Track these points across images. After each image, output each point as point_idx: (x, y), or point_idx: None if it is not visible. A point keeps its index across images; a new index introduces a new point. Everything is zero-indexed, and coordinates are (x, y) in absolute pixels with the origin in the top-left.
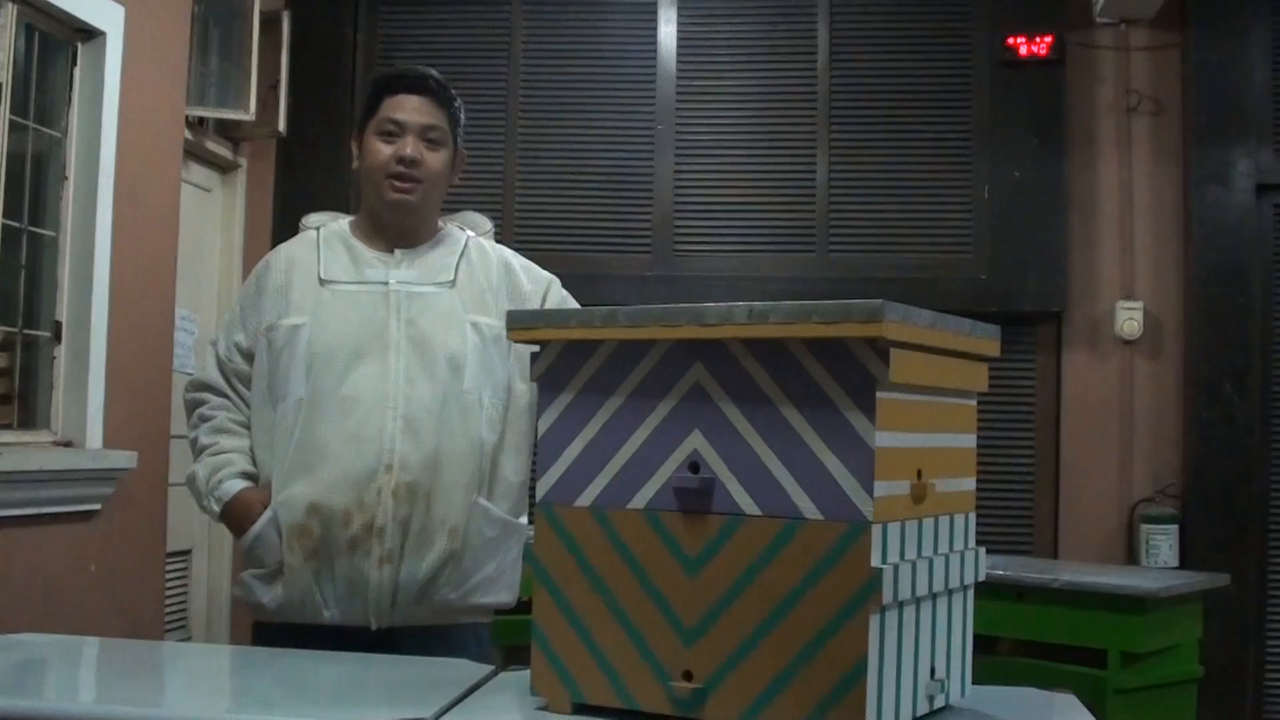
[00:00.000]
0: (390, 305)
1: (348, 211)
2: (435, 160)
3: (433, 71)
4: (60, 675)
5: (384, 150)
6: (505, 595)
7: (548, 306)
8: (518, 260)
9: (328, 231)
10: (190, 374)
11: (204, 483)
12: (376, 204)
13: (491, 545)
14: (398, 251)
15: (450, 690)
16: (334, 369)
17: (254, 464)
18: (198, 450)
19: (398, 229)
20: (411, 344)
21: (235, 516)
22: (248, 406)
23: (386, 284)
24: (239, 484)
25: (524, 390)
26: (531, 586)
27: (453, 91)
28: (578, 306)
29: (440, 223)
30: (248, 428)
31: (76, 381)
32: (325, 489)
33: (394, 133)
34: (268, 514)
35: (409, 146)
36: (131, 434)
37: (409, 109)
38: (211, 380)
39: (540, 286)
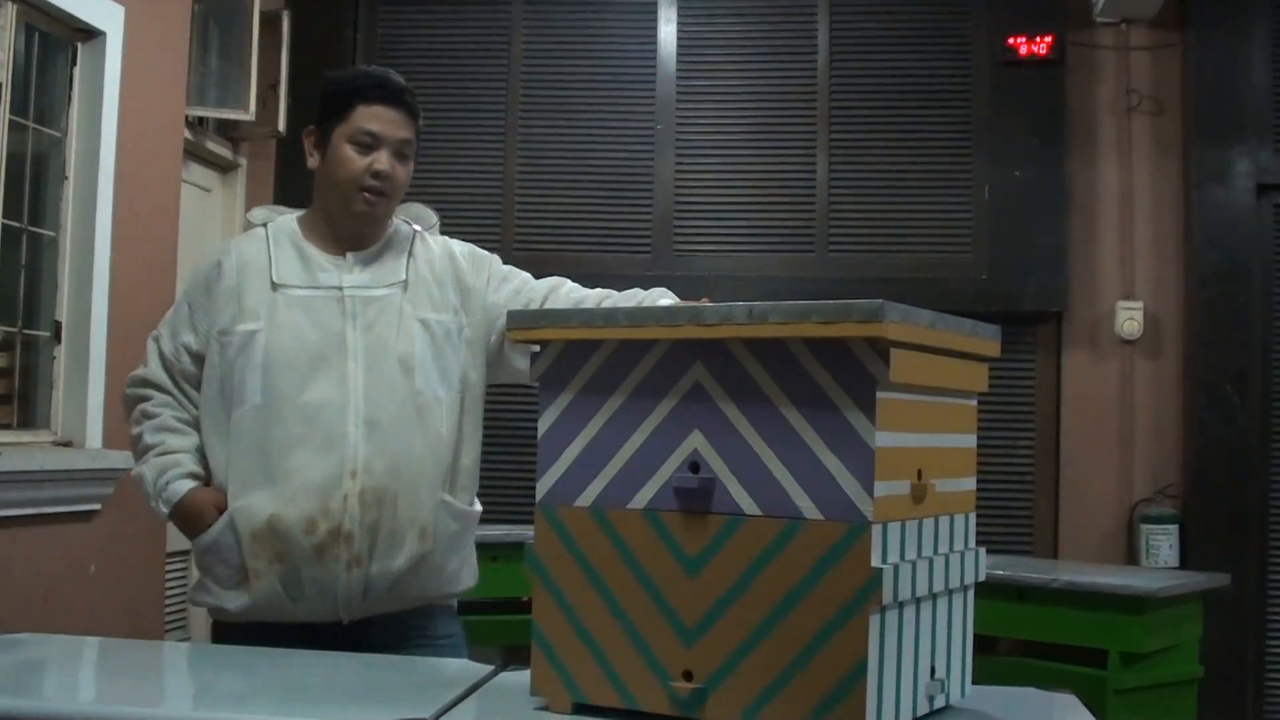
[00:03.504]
0: (346, 311)
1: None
2: (403, 173)
3: (404, 81)
4: (60, 675)
5: (358, 161)
6: (470, 580)
7: (490, 287)
8: (460, 248)
9: (276, 229)
10: None
11: (151, 484)
12: (339, 211)
13: (457, 538)
14: (349, 255)
15: (450, 690)
16: (292, 377)
17: (202, 464)
18: (142, 449)
19: (353, 234)
20: (367, 350)
21: (186, 516)
22: (195, 406)
23: (340, 289)
24: (187, 484)
25: (476, 380)
26: (532, 586)
27: (419, 103)
28: (525, 275)
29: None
30: (194, 427)
31: (76, 381)
32: (288, 498)
33: (369, 145)
34: (225, 519)
35: (383, 160)
36: None
37: (386, 122)
38: (155, 378)
39: (482, 273)
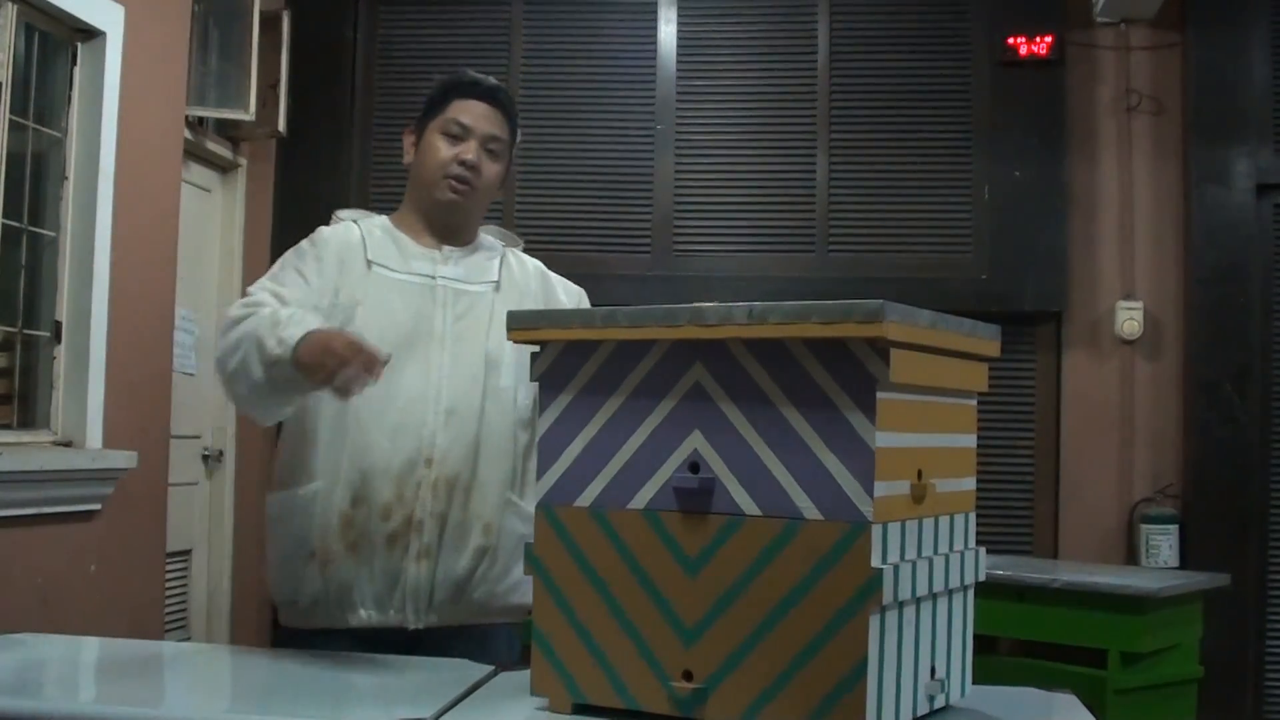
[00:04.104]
0: (437, 300)
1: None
2: (491, 170)
3: (499, 83)
4: (60, 675)
5: (446, 150)
6: None
7: None
8: (554, 275)
9: (368, 224)
10: (190, 374)
11: (284, 316)
12: (425, 201)
13: (524, 543)
14: (445, 248)
15: (450, 690)
16: None
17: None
18: (256, 318)
19: (443, 228)
20: (455, 340)
21: (324, 340)
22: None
23: (434, 278)
24: (317, 319)
25: None
26: (532, 586)
27: (516, 109)
28: None
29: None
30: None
31: (76, 381)
32: (368, 480)
33: (459, 135)
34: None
35: (471, 151)
36: (131, 434)
37: (478, 115)
38: (262, 299)
39: (573, 299)
